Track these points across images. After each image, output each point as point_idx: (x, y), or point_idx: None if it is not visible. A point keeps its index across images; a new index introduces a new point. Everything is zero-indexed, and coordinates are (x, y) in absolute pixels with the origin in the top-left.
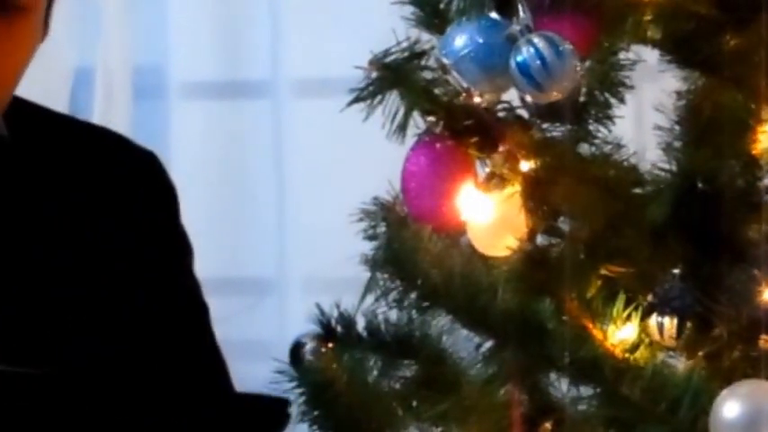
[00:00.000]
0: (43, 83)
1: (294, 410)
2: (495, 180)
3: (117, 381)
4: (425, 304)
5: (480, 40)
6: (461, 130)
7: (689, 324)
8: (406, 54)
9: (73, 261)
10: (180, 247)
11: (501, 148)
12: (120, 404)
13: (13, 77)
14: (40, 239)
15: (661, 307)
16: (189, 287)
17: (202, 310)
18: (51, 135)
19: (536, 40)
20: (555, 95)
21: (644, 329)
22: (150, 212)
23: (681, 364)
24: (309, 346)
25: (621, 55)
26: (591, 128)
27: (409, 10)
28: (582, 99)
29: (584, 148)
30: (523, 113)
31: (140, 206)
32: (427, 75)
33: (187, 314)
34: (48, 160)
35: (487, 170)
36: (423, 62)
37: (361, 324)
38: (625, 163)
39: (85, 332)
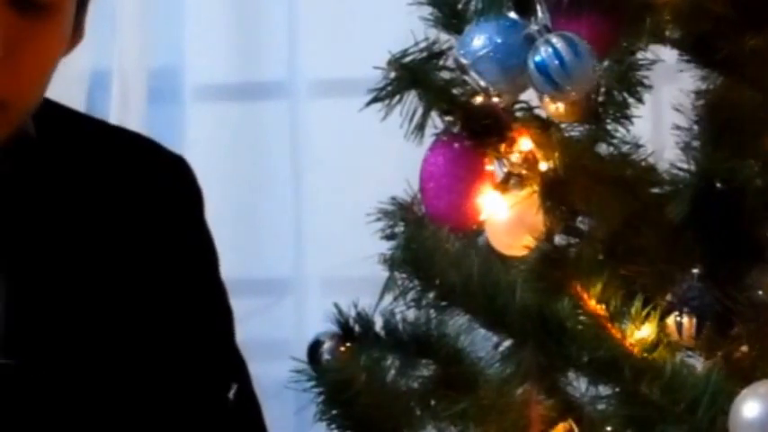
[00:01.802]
0: (60, 86)
1: (313, 410)
2: (513, 180)
3: (124, 378)
4: (443, 304)
5: (498, 40)
6: (479, 130)
7: (708, 323)
8: (424, 54)
9: (99, 262)
10: (207, 252)
11: (519, 148)
12: (113, 402)
13: (41, 78)
14: (67, 241)
15: (680, 306)
16: (215, 291)
17: (226, 314)
18: (81, 137)
19: (554, 40)
20: (573, 95)
21: (663, 329)
22: (178, 216)
23: (700, 363)
24: (327, 345)
25: (640, 55)
26: (609, 127)
27: (427, 10)
28: (600, 99)
29: (603, 148)
30: (541, 113)
31: (169, 210)
32: (445, 75)
33: (211, 318)
34: (76, 162)
35: (505, 170)
36: (441, 62)
37: (379, 324)
38: (643, 162)
39: (108, 333)
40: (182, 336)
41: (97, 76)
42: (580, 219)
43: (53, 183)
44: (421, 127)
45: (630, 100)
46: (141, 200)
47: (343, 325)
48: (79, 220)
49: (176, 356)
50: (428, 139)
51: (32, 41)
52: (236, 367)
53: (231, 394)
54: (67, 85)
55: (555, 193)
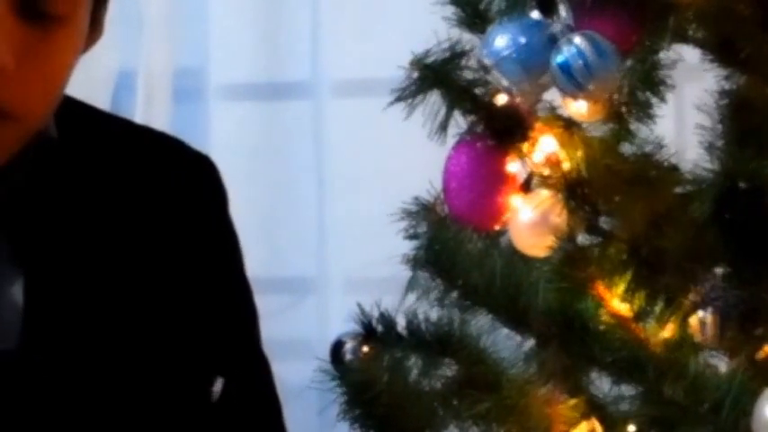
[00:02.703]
0: (85, 86)
1: (335, 409)
2: (536, 180)
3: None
4: (466, 303)
5: (521, 40)
6: (502, 130)
7: (731, 323)
8: (447, 54)
9: (121, 261)
10: (232, 251)
11: (541, 148)
12: (125, 400)
13: (53, 89)
14: (88, 240)
15: (703, 306)
16: (239, 290)
17: (251, 313)
18: (104, 136)
19: (577, 39)
20: (596, 95)
21: (686, 329)
22: (203, 215)
23: (723, 363)
24: (350, 345)
25: (663, 54)
26: (632, 127)
27: (450, 10)
28: (623, 98)
29: (626, 148)
30: (564, 113)
31: (193, 208)
32: (468, 75)
33: (236, 318)
34: (99, 162)
35: (528, 170)
36: (464, 62)
37: (401, 323)
38: (666, 162)
39: (127, 332)
40: (205, 335)
41: (123, 77)
42: (603, 218)
43: (74, 183)
44: (444, 127)
45: (653, 99)
46: (166, 198)
47: (366, 325)
48: (101, 220)
49: (198, 356)
50: (451, 139)
51: (44, 53)
52: (260, 367)
53: (217, 388)
54: (93, 86)
55: (578, 193)
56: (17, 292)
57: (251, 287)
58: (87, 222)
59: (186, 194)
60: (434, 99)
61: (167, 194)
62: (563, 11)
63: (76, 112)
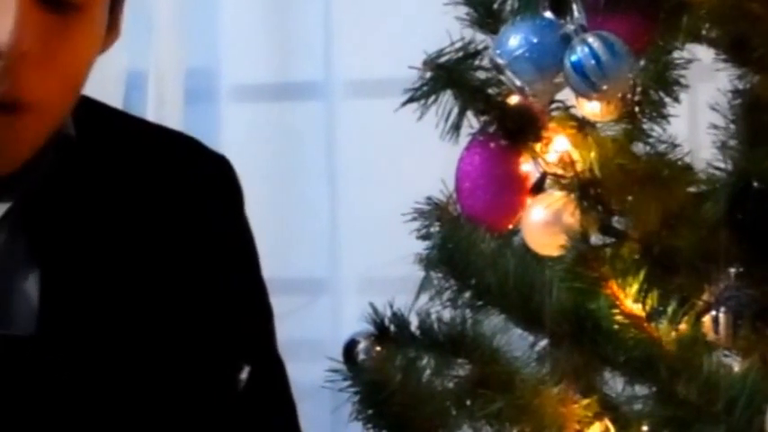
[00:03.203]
0: (96, 86)
1: (348, 409)
2: (549, 179)
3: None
4: (479, 303)
5: (534, 40)
6: (515, 130)
7: (745, 323)
8: (459, 54)
9: (137, 259)
10: (247, 251)
11: (554, 148)
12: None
13: (75, 78)
14: (105, 238)
15: (716, 306)
16: (254, 290)
17: (266, 313)
18: (122, 135)
19: (590, 39)
20: (609, 95)
21: (699, 329)
22: (219, 215)
23: (737, 363)
24: (363, 345)
25: (676, 54)
26: (645, 127)
27: (463, 10)
28: (636, 98)
29: (639, 148)
30: (577, 113)
31: (210, 208)
32: (481, 75)
33: (251, 318)
34: (116, 161)
35: (541, 170)
36: (477, 62)
37: (414, 323)
38: (680, 162)
39: (141, 329)
40: (220, 334)
41: (134, 77)
42: (616, 218)
43: (92, 182)
44: (456, 127)
45: (667, 99)
46: (183, 197)
47: (379, 325)
48: (118, 219)
49: (213, 354)
50: (464, 138)
51: (65, 41)
52: (275, 367)
53: (244, 375)
54: (104, 86)
55: (591, 193)
56: (33, 285)
57: (266, 287)
58: (105, 219)
59: (203, 194)
60: (447, 99)
61: (185, 193)
62: (576, 10)
63: (94, 112)
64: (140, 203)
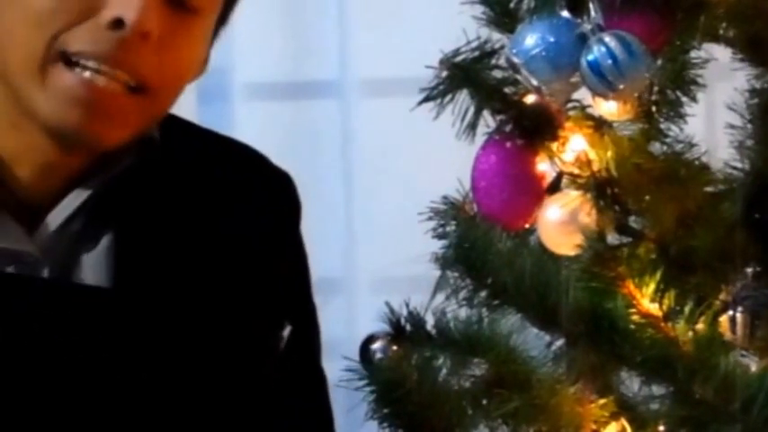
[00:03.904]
0: None
1: (364, 408)
2: (566, 179)
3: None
4: (495, 303)
5: (551, 39)
6: (532, 130)
7: (762, 323)
8: (476, 53)
9: (203, 263)
10: (303, 266)
11: (571, 147)
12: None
13: (182, 74)
14: (176, 239)
15: (733, 306)
16: (307, 306)
17: (315, 330)
18: (197, 145)
19: (607, 38)
20: (626, 94)
21: (716, 328)
22: (280, 227)
23: (753, 363)
24: (379, 344)
25: (693, 53)
26: (662, 126)
27: (479, 9)
28: (653, 98)
29: (656, 147)
30: (594, 112)
31: (273, 222)
32: (497, 74)
33: (303, 333)
34: (192, 168)
35: (557, 169)
36: (493, 61)
37: (430, 323)
38: (697, 161)
39: (201, 329)
40: (273, 347)
41: None
42: (633, 218)
43: (168, 181)
44: (473, 126)
45: (684, 99)
46: (246, 204)
47: (395, 324)
48: (187, 216)
49: (263, 361)
50: (480, 138)
51: (181, 38)
52: (318, 383)
53: (286, 332)
54: None
55: (607, 193)
56: (106, 271)
57: (315, 303)
58: (176, 215)
59: (265, 203)
60: (463, 98)
61: (249, 201)
62: (593, 10)
63: (174, 121)
64: (208, 204)
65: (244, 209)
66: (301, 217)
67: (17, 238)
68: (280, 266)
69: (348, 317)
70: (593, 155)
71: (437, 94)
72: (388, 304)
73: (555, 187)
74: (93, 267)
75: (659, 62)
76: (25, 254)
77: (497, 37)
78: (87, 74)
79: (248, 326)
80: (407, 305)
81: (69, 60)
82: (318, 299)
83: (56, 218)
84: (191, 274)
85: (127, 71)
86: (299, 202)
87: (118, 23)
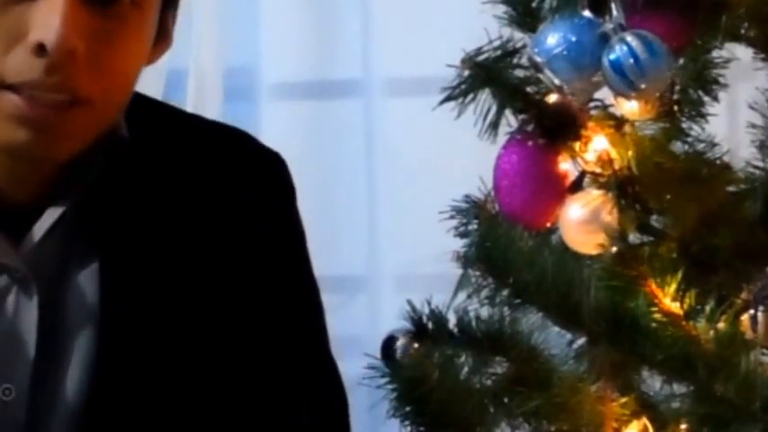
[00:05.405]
0: (136, 85)
1: (386, 406)
2: (588, 178)
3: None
4: (517, 301)
5: (573, 39)
6: (554, 129)
7: None
8: (498, 53)
9: (192, 255)
10: (298, 247)
11: (593, 147)
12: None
13: (124, 77)
14: (160, 236)
15: (755, 304)
16: (306, 287)
17: (317, 310)
18: (176, 132)
19: (629, 38)
20: (648, 94)
21: (737, 327)
22: (273, 212)
23: None
24: (401, 342)
25: (715, 53)
26: (684, 126)
27: (501, 9)
28: (675, 97)
29: (678, 146)
30: (616, 112)
31: (264, 205)
32: (519, 73)
33: (301, 315)
34: (170, 158)
35: (580, 168)
36: (515, 61)
37: (452, 321)
38: (718, 161)
39: (197, 325)
40: (270, 332)
41: (173, 75)
42: (654, 217)
43: (146, 179)
44: (495, 125)
45: (706, 98)
46: (235, 192)
47: (417, 322)
48: (172, 214)
49: (264, 352)
50: (502, 137)
51: (114, 42)
52: (325, 366)
53: None
54: (144, 85)
55: (629, 192)
56: (91, 286)
57: (317, 283)
58: (158, 215)
59: (254, 188)
60: (485, 97)
61: (238, 188)
62: (615, 9)
63: (147, 109)
64: (193, 198)
65: (229, 199)
66: (296, 198)
67: (4, 251)
68: (274, 258)
69: (370, 315)
70: (614, 154)
71: (459, 93)
72: (410, 302)
73: (577, 186)
74: (80, 282)
75: (681, 61)
76: (12, 268)
77: (519, 36)
78: (28, 94)
79: (247, 326)
80: (429, 303)
81: (10, 87)
82: (341, 297)
83: (38, 232)
84: (180, 281)
85: (62, 92)
86: (291, 183)
87: (41, 49)
